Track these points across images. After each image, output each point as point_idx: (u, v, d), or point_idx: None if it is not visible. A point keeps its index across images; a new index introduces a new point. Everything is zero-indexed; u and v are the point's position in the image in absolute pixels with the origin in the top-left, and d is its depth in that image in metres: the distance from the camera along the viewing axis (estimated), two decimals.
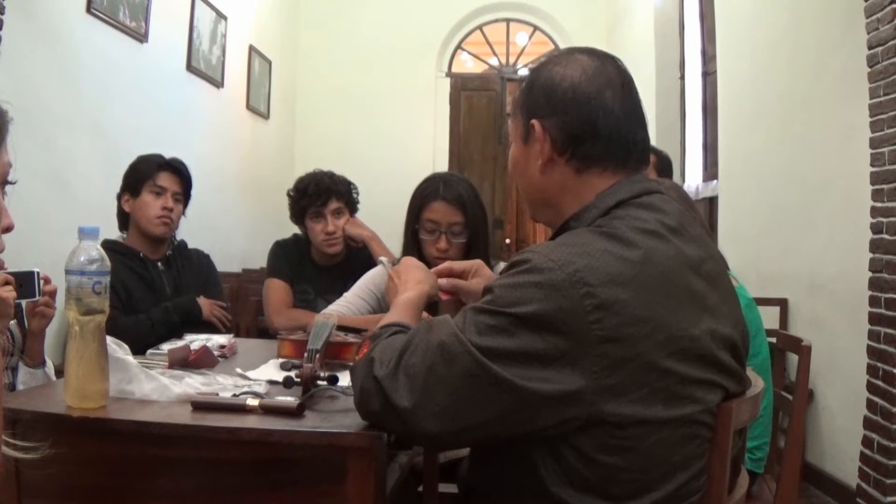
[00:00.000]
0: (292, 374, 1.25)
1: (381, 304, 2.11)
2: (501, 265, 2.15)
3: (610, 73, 1.08)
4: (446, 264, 1.52)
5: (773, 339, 1.97)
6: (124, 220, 2.33)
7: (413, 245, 2.07)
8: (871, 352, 2.68)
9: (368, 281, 2.15)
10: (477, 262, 1.55)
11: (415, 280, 1.39)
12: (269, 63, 5.90)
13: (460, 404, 0.94)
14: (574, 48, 1.13)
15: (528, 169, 1.10)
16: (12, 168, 0.78)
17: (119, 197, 2.32)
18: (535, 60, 7.09)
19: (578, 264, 0.92)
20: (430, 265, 2.07)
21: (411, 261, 1.50)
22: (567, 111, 1.05)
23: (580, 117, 1.05)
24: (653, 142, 1.41)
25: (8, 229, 0.80)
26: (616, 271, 0.92)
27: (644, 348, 0.91)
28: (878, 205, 2.66)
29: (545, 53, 1.19)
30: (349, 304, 2.09)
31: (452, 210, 1.98)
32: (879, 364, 2.62)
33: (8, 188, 0.80)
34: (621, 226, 0.98)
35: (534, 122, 1.07)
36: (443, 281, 1.47)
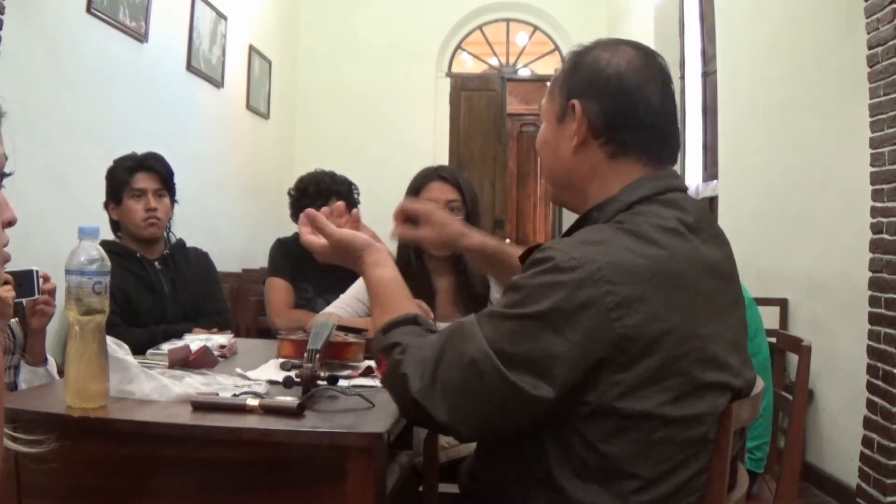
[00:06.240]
0: (292, 374, 1.25)
1: None
2: None
3: (654, 68, 1.09)
4: (399, 208, 1.50)
5: (773, 339, 1.97)
6: (117, 228, 2.33)
7: None
8: (871, 352, 2.68)
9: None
10: (429, 207, 1.54)
11: (364, 242, 1.23)
12: (269, 63, 5.90)
13: (494, 414, 0.98)
14: (621, 40, 1.12)
15: (559, 149, 1.10)
16: (8, 160, 0.77)
17: (106, 206, 2.31)
18: (536, 59, 7.10)
19: (601, 262, 0.94)
20: (426, 253, 2.08)
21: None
22: (610, 95, 1.05)
23: (622, 104, 1.05)
24: None
25: (10, 223, 0.79)
26: (637, 269, 0.94)
27: (660, 347, 0.93)
28: (878, 205, 2.66)
29: (595, 42, 1.19)
30: (346, 305, 2.09)
31: (449, 188, 2.07)
32: (879, 364, 2.62)
33: (6, 181, 0.80)
34: (643, 223, 0.99)
35: (574, 101, 1.07)
36: (395, 232, 1.49)
